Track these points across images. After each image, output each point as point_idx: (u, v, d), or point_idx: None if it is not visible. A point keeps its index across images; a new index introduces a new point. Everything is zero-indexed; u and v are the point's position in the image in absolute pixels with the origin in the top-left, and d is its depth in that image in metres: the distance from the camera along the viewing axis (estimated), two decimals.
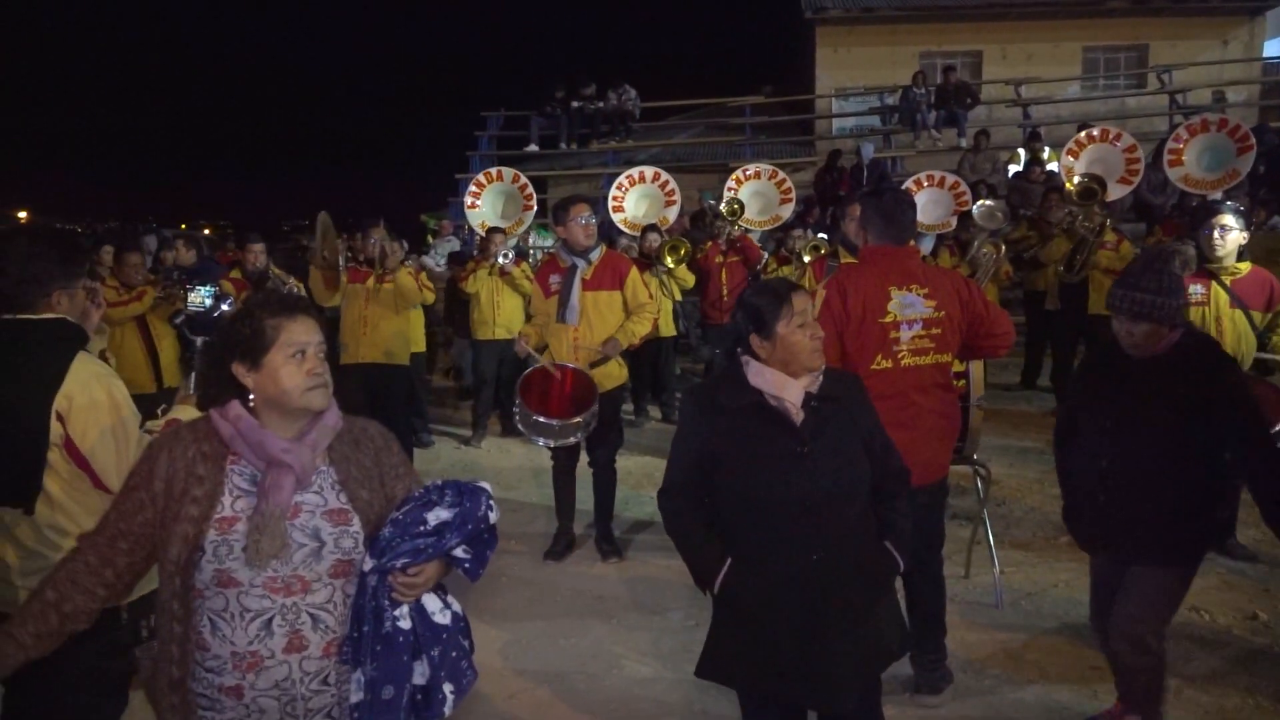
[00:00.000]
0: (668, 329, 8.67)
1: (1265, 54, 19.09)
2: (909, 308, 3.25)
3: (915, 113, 16.19)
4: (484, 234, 8.79)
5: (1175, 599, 3.14)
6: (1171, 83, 17.01)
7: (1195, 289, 5.13)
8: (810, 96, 19.35)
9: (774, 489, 2.39)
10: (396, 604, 1.96)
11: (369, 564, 1.95)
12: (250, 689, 1.93)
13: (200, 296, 3.68)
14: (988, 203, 9.41)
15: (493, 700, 3.71)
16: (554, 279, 5.22)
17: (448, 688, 2.01)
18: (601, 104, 17.41)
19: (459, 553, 2.00)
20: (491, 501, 2.04)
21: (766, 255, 9.16)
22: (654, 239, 8.87)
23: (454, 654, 2.03)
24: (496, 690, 3.77)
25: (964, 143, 15.26)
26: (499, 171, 10.48)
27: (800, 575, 2.38)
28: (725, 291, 8.58)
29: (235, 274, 7.30)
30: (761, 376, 2.44)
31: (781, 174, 11.76)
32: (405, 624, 1.97)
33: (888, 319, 3.25)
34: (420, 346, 8.10)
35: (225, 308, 3.57)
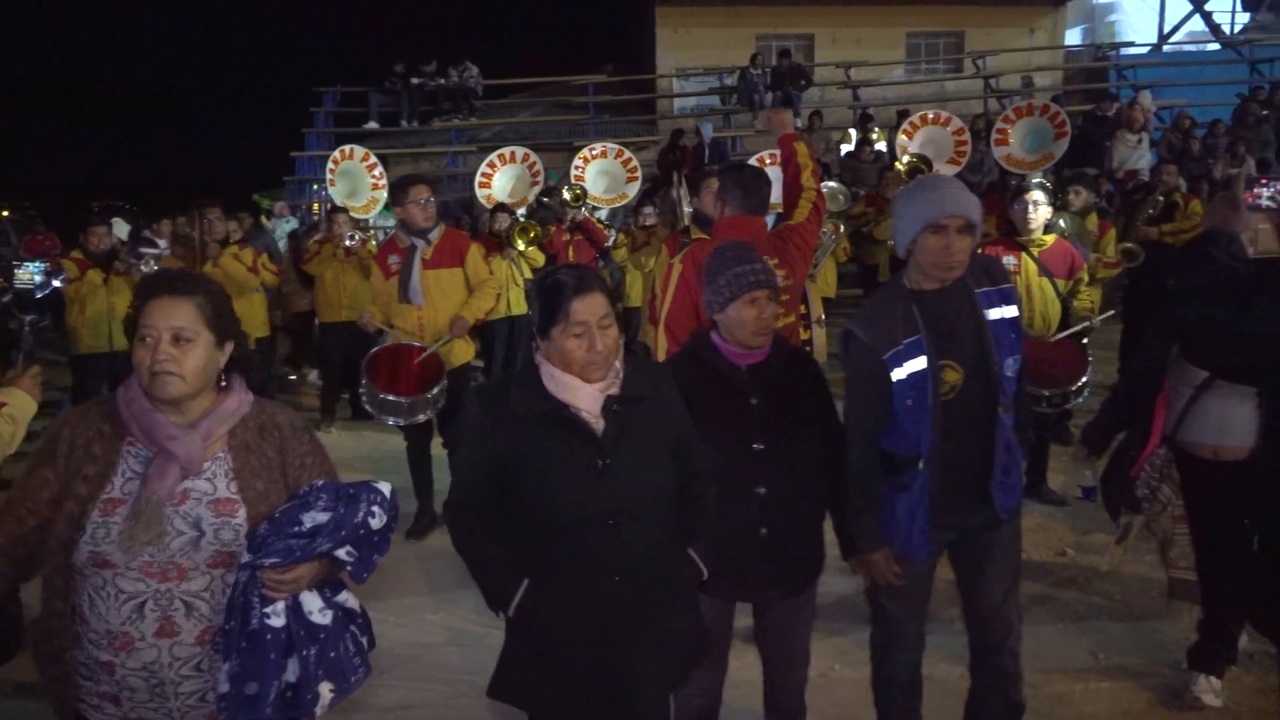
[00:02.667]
0: (520, 307, 8.72)
1: (1066, 42, 20.72)
2: None
3: (753, 93, 16.71)
4: (327, 213, 8.59)
5: None
6: (986, 68, 18.22)
7: (1008, 259, 5.63)
8: (652, 76, 19.65)
9: (573, 506, 2.16)
10: (268, 601, 1.94)
11: (245, 558, 1.94)
12: (120, 667, 1.94)
13: (29, 273, 3.53)
14: (830, 184, 9.89)
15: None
16: (393, 259, 5.23)
17: (326, 686, 2.01)
18: (443, 81, 17.15)
19: (342, 555, 1.99)
20: (376, 508, 2.00)
21: (614, 234, 9.33)
22: (504, 219, 8.88)
23: (334, 653, 2.02)
24: None
25: (799, 123, 15.88)
26: (351, 150, 10.22)
27: (604, 596, 2.18)
28: None
29: (77, 254, 6.80)
30: (554, 380, 2.18)
31: (627, 153, 11.98)
32: (277, 621, 1.95)
33: None
34: (263, 331, 7.86)
35: (57, 284, 3.39)
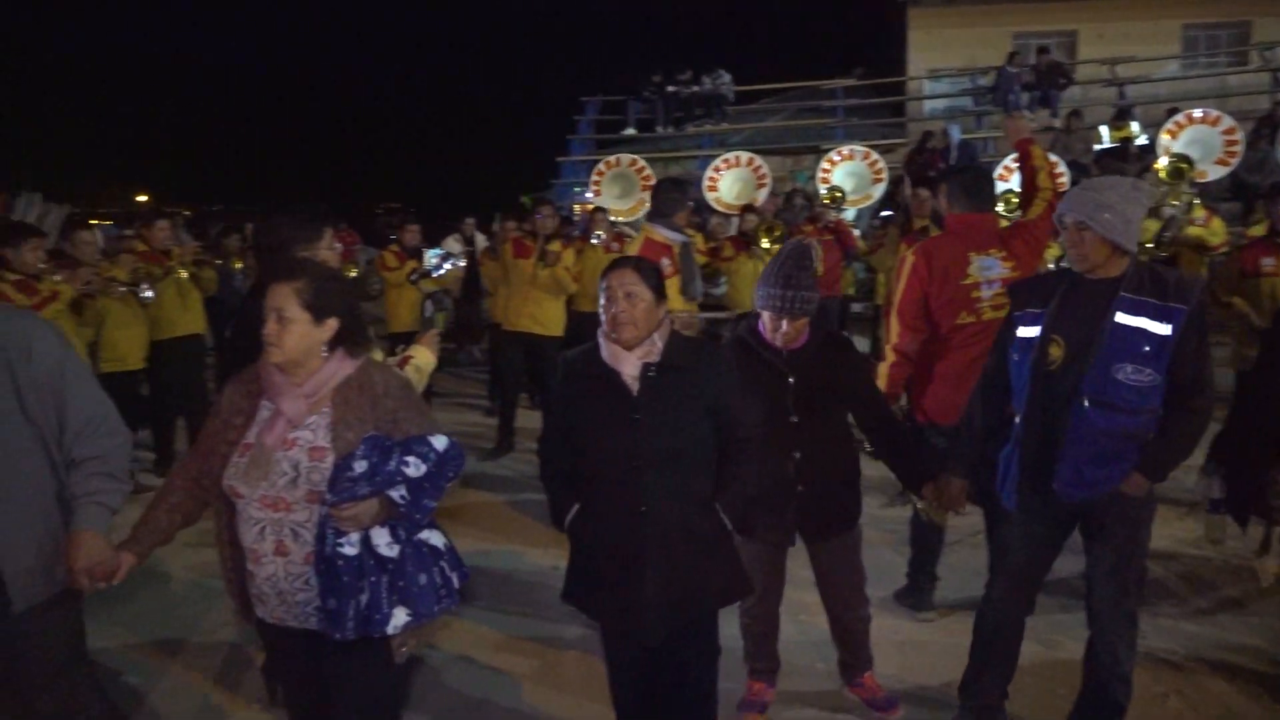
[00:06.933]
0: None
1: None
2: (988, 269, 3.80)
3: (1008, 94, 16.32)
4: (589, 214, 9.45)
5: None
6: (1275, 61, 16.76)
7: (1266, 261, 5.56)
8: (902, 79, 19.56)
9: (606, 452, 2.66)
10: (341, 533, 2.24)
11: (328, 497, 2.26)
12: (256, 576, 2.40)
13: (430, 258, 4.52)
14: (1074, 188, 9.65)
15: None
16: (665, 262, 5.79)
17: (401, 610, 2.30)
18: (696, 88, 17.94)
19: (395, 496, 2.27)
20: (412, 458, 2.26)
21: (859, 235, 9.61)
22: (751, 219, 9.42)
23: (403, 582, 2.30)
24: None
25: (1057, 123, 15.38)
26: (618, 158, 11.15)
27: (625, 525, 2.64)
28: (820, 268, 8.94)
29: (395, 248, 8.08)
30: (606, 349, 2.69)
31: (874, 155, 12.21)
32: (350, 551, 2.25)
33: (968, 280, 3.81)
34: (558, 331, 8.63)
35: (448, 266, 4.29)
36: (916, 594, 4.28)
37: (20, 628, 2.42)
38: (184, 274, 6.67)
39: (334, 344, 2.42)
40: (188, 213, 15.50)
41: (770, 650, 3.56)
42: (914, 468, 3.42)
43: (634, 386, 2.65)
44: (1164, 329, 2.81)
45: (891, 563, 4.60)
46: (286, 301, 2.34)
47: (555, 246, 7.11)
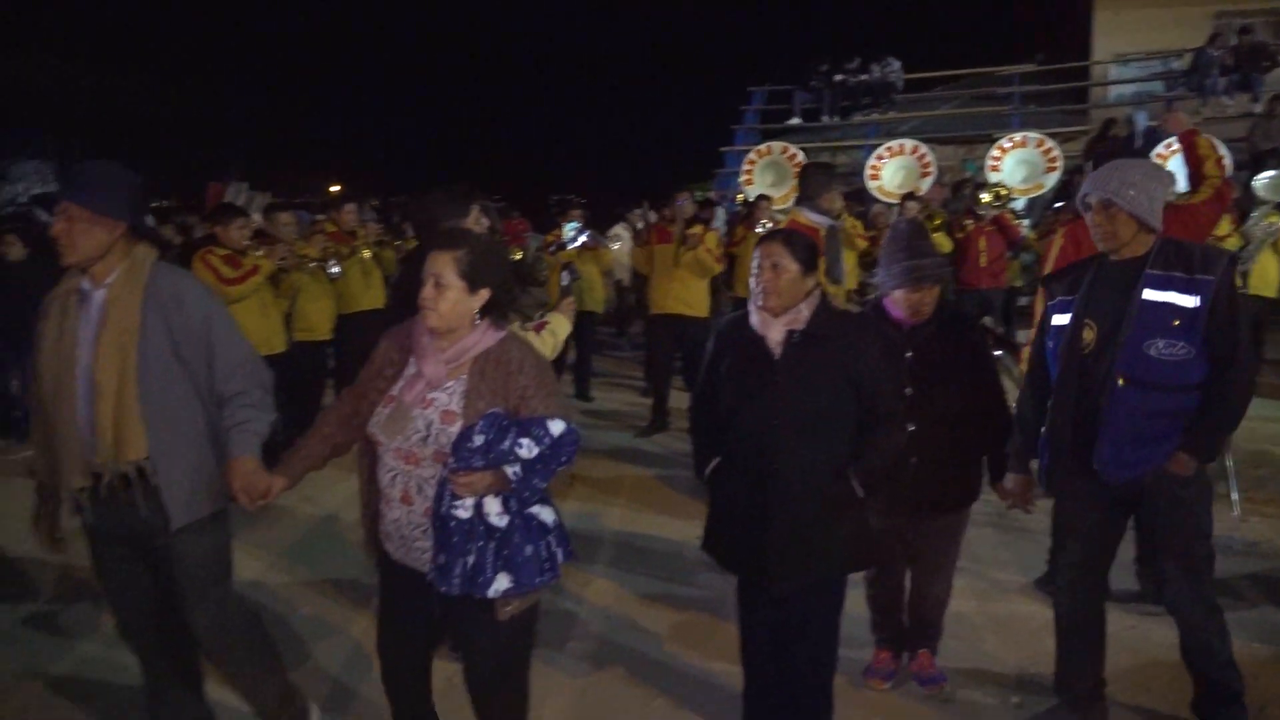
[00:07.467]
0: None
1: None
2: None
3: (1204, 78, 15.27)
4: (753, 201, 9.59)
5: None
6: None
7: None
8: (1086, 63, 18.59)
9: (744, 411, 2.84)
10: (457, 497, 2.37)
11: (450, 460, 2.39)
12: (385, 518, 2.59)
13: (566, 232, 4.88)
14: (1273, 174, 9.03)
15: None
16: None
17: (504, 576, 2.40)
18: (864, 76, 17.68)
19: (509, 473, 2.36)
20: (526, 439, 2.35)
21: (1027, 226, 9.29)
22: (912, 207, 9.32)
23: (508, 551, 2.41)
24: None
25: (1257, 108, 14.30)
26: (769, 146, 11.25)
27: (757, 482, 2.80)
28: (984, 260, 8.67)
29: (556, 232, 8.66)
30: (755, 317, 2.86)
31: (1049, 143, 11.74)
32: (464, 514, 2.38)
33: None
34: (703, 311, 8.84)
35: (582, 239, 4.62)
36: (1055, 581, 4.22)
37: (176, 545, 2.78)
38: (367, 254, 7.24)
39: (483, 313, 2.54)
40: (375, 203, 16.52)
41: (895, 621, 3.64)
42: (1002, 463, 3.41)
43: (777, 352, 2.80)
44: (1192, 301, 2.84)
45: (1038, 548, 4.54)
46: (445, 269, 2.46)
47: (696, 230, 7.35)
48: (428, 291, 2.47)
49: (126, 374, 2.66)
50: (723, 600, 3.93)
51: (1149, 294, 2.88)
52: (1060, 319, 3.07)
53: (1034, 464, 3.26)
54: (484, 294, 2.51)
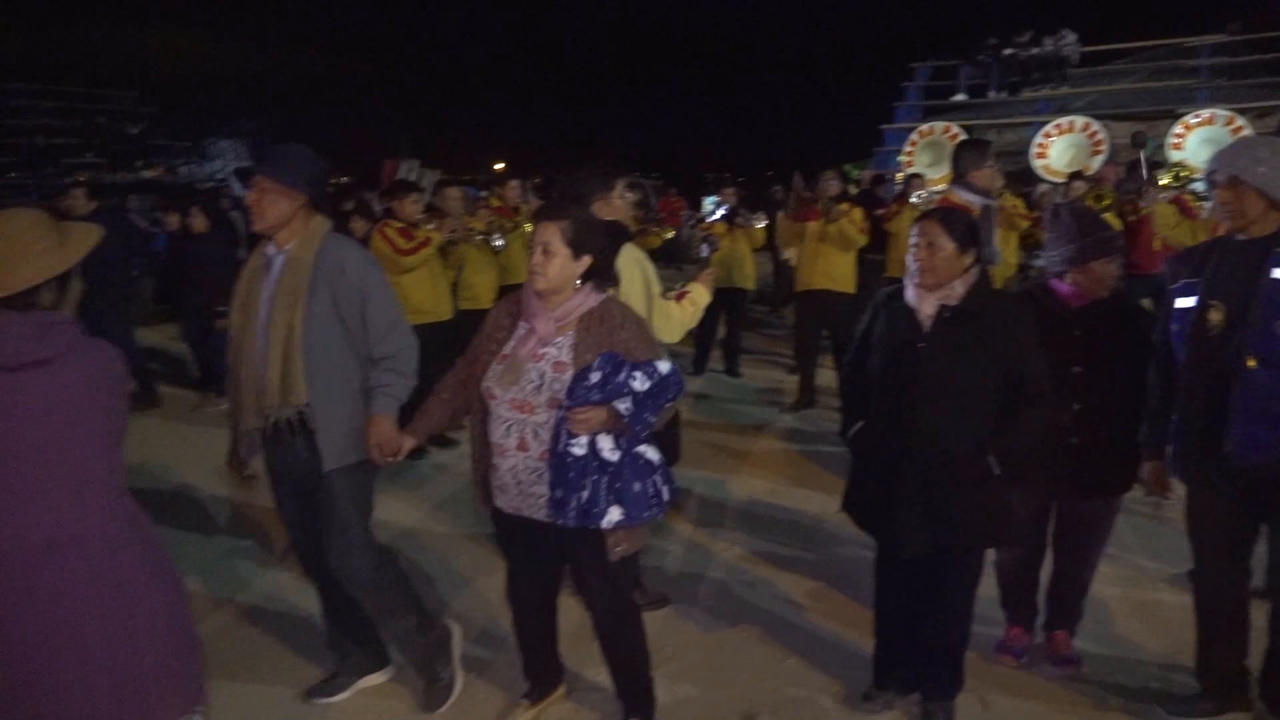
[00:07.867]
0: None
1: None
2: None
3: None
4: (907, 179, 9.46)
5: None
6: None
7: None
8: None
9: (889, 378, 2.95)
10: (573, 435, 2.60)
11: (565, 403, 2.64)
12: (498, 469, 2.81)
13: (708, 207, 5.09)
14: None
15: None
16: None
17: (615, 509, 2.63)
18: (1036, 50, 16.89)
19: (621, 408, 2.60)
20: (639, 373, 2.60)
21: (1205, 215, 8.76)
22: (1079, 187, 8.96)
23: (620, 484, 2.63)
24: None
25: None
26: (931, 127, 11.00)
27: (895, 450, 2.91)
28: (1158, 242, 8.28)
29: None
30: (909, 289, 2.97)
31: (1239, 120, 11.01)
32: (579, 450, 2.61)
33: None
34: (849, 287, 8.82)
35: (720, 212, 4.78)
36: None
37: (325, 484, 3.07)
38: (529, 227, 7.58)
39: (585, 277, 2.77)
40: (537, 180, 17.16)
41: (1029, 599, 3.65)
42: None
43: (926, 325, 2.89)
44: None
45: None
46: (552, 237, 2.70)
47: (843, 206, 7.39)
48: (536, 258, 2.72)
49: (294, 328, 2.96)
50: (860, 574, 4.01)
51: (1278, 273, 2.80)
52: (1184, 301, 3.02)
53: (1168, 450, 3.21)
54: (586, 260, 2.74)
